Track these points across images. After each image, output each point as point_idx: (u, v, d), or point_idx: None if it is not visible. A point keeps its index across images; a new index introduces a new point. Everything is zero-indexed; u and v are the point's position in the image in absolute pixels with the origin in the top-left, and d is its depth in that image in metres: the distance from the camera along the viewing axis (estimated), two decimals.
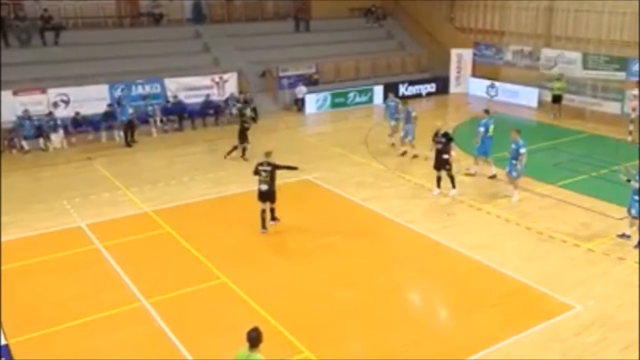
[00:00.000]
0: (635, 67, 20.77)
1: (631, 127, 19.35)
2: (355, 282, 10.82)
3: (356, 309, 9.98)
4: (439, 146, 14.63)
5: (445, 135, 14.65)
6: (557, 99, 22.44)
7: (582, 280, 10.74)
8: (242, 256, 11.79)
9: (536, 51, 24.58)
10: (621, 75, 21.34)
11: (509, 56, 25.86)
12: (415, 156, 17.71)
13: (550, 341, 8.98)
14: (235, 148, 17.89)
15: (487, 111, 16.31)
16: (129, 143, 19.60)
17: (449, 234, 12.62)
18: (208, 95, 22.57)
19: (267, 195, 12.51)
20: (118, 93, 21.17)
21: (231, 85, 23.47)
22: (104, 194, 15.14)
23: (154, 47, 23.79)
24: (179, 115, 21.66)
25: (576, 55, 22.87)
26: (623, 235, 12.27)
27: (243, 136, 17.81)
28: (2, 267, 11.06)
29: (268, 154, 12.68)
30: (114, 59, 22.46)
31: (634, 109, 19.48)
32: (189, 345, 8.85)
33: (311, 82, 25.16)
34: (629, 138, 19.27)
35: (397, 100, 19.38)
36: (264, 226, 12.64)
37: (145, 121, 20.87)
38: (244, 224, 13.27)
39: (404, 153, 18.05)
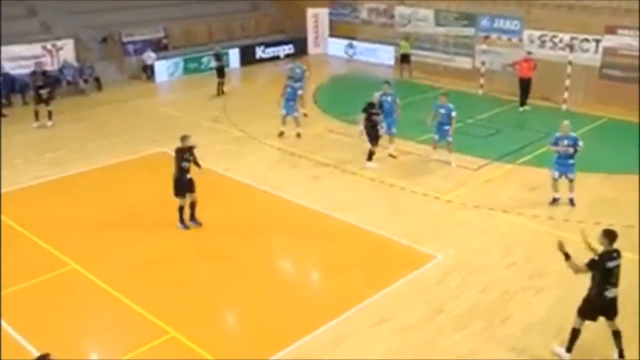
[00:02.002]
0: (483, 22, 22.48)
1: (482, 81, 21.04)
2: (220, 254, 10.84)
3: (222, 282, 10.02)
4: (377, 117, 14.26)
5: (381, 106, 14.46)
6: (405, 58, 23.64)
7: (442, 231, 11.65)
8: (92, 239, 11.28)
9: (390, 9, 25.65)
10: (470, 31, 23.00)
11: (364, 14, 26.74)
12: (298, 135, 16.78)
13: (416, 291, 9.69)
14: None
15: (387, 82, 15.74)
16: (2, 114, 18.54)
17: (315, 198, 13.00)
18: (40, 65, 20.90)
19: (181, 186, 11.43)
20: None
21: (67, 53, 21.93)
22: None
23: None
24: (7, 89, 19.86)
25: (428, 12, 24.23)
26: (555, 201, 12.62)
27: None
28: None
29: (185, 138, 11.47)
30: None
31: (483, 63, 21.16)
32: (38, 343, 8.34)
33: (160, 48, 24.29)
34: (480, 91, 20.96)
35: (304, 67, 18.90)
36: (182, 221, 11.62)
37: None
38: (91, 204, 12.69)
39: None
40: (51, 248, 10.83)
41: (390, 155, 15.29)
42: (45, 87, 18.06)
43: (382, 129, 14.55)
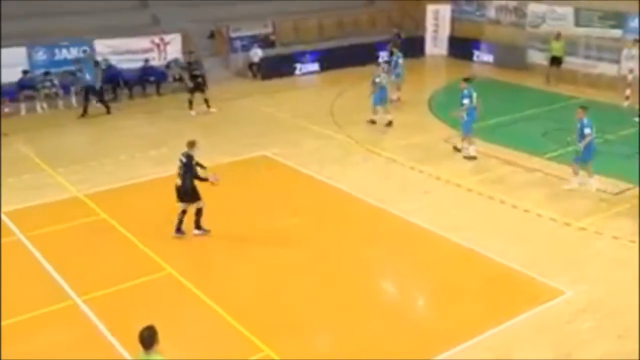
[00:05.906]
0: (634, 24, 21.20)
1: (628, 92, 19.79)
2: (319, 270, 10.92)
3: (320, 299, 10.07)
4: None
5: None
6: (556, 61, 22.62)
7: (573, 262, 11.06)
8: (190, 244, 11.75)
9: (522, 6, 24.85)
10: (617, 32, 21.79)
11: (492, 13, 26.09)
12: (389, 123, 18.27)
13: (539, 331, 9.23)
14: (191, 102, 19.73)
15: (468, 79, 16.14)
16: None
17: (426, 215, 12.79)
18: (147, 60, 22.20)
19: (180, 193, 11.69)
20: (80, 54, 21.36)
21: (174, 47, 23.14)
22: (25, 175, 14.81)
23: (81, 3, 23.13)
24: (113, 83, 21.24)
25: (567, 11, 23.22)
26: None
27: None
28: None
29: (191, 144, 11.74)
30: (33, 16, 21.75)
31: (630, 71, 19.93)
32: (130, 347, 8.78)
33: (267, 44, 24.98)
34: (625, 103, 19.73)
35: (400, 54, 20.91)
36: (177, 229, 11.82)
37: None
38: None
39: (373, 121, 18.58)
40: (149, 250, 11.39)
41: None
42: (198, 77, 19.90)
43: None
